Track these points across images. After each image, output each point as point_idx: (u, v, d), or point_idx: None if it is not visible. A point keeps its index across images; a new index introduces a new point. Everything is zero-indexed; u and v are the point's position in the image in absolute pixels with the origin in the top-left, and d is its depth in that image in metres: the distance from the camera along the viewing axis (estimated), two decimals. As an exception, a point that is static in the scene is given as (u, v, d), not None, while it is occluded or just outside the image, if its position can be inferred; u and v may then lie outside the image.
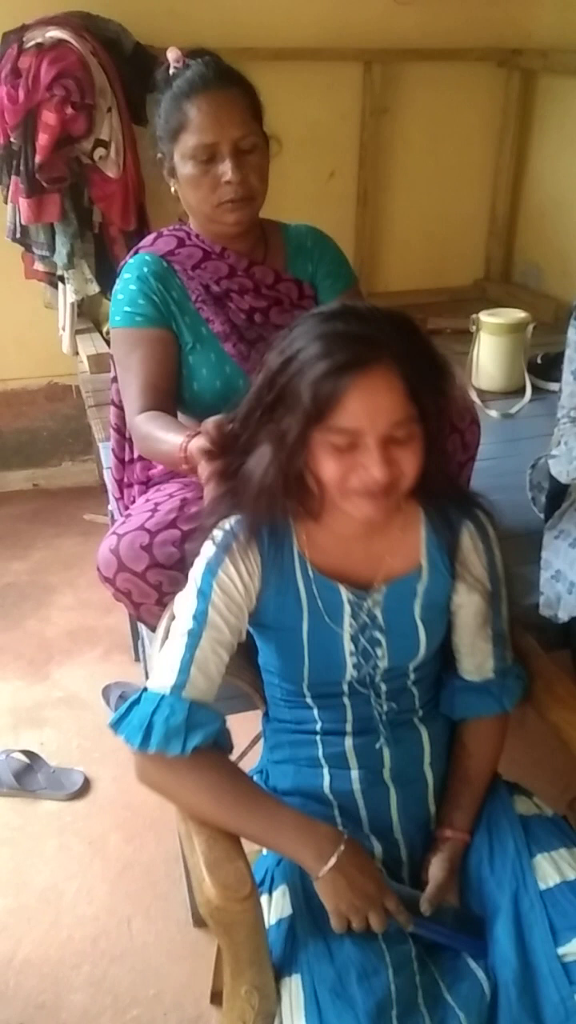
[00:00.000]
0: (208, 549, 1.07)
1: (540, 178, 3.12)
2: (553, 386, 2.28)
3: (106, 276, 2.58)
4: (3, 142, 2.38)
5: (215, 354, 1.44)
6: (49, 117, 2.28)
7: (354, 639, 1.09)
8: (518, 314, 2.37)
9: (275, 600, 1.08)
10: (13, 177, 2.41)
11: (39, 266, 2.61)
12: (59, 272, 2.58)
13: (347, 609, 1.09)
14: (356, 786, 1.12)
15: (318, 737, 1.14)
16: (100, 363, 2.51)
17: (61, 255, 2.51)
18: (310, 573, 1.08)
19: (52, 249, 2.52)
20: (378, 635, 1.10)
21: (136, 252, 1.48)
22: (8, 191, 2.47)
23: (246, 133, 1.35)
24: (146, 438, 1.35)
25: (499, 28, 2.96)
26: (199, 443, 1.15)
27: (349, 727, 1.13)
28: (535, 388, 2.33)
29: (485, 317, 2.35)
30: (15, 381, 3.01)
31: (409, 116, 3.02)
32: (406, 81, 2.97)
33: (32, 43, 2.29)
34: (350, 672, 1.11)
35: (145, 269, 1.43)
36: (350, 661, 1.10)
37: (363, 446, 0.96)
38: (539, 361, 2.43)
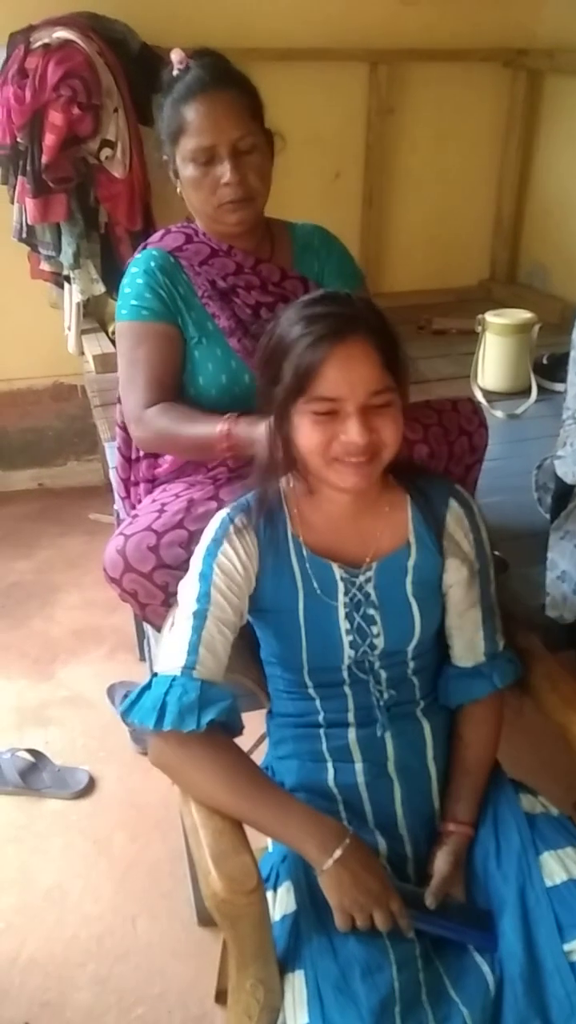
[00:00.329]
0: (207, 535, 1.13)
1: (546, 178, 3.12)
2: (559, 387, 2.27)
3: (112, 276, 2.59)
4: (10, 142, 2.39)
5: (220, 349, 1.44)
6: (56, 117, 2.28)
7: (348, 616, 1.13)
8: (524, 315, 2.37)
9: (272, 582, 1.13)
10: (20, 177, 2.42)
11: (45, 266, 2.61)
12: (65, 272, 2.58)
13: (340, 587, 1.13)
14: (360, 779, 1.13)
15: (321, 730, 1.16)
16: (106, 363, 2.51)
17: (67, 255, 2.51)
18: (304, 554, 1.13)
19: (58, 249, 2.53)
20: (372, 612, 1.13)
21: (144, 248, 1.49)
22: (15, 191, 2.47)
23: (244, 134, 1.36)
24: (164, 430, 1.37)
25: (505, 28, 2.96)
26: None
27: (351, 717, 1.14)
28: (541, 389, 2.33)
29: (491, 318, 2.35)
30: (21, 381, 3.01)
31: (415, 116, 3.02)
32: (412, 81, 2.97)
33: (39, 43, 2.30)
34: (347, 653, 1.13)
35: (152, 264, 1.44)
36: (346, 640, 1.13)
37: (343, 413, 1.02)
38: (545, 362, 2.43)
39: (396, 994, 0.93)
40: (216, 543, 1.12)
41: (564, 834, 1.10)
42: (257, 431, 1.28)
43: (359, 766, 1.13)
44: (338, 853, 0.99)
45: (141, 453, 1.59)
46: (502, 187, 3.21)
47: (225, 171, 1.36)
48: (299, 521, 1.14)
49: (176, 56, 1.41)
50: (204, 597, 1.09)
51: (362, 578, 1.13)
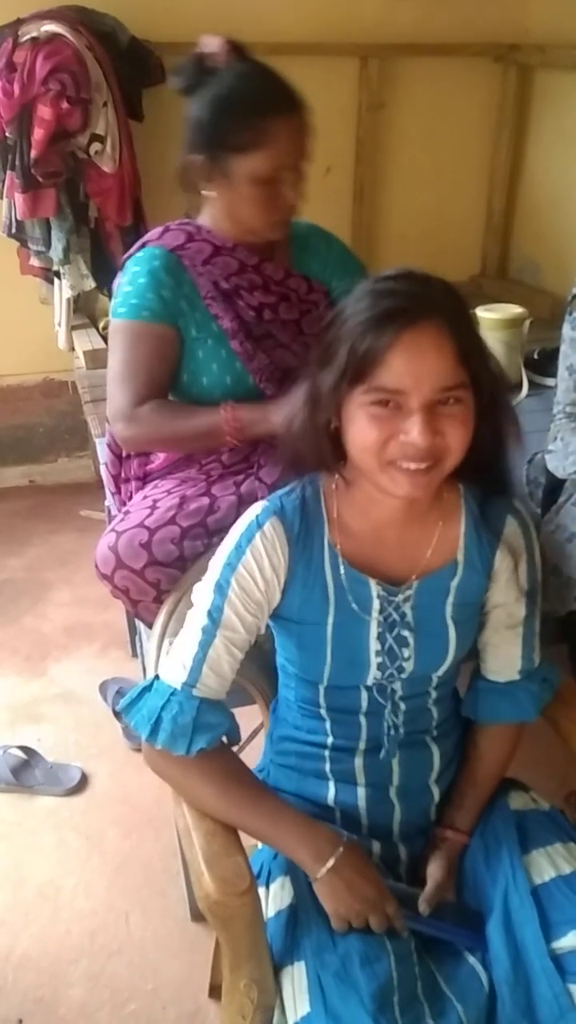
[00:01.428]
0: (231, 539, 1.03)
1: (537, 174, 3.12)
2: (550, 381, 2.27)
3: (102, 271, 2.58)
4: (-2, 137, 2.38)
5: (225, 350, 1.42)
6: (44, 112, 2.27)
7: (380, 637, 1.05)
8: (515, 309, 2.37)
9: (301, 594, 1.03)
10: (8, 172, 2.40)
11: (35, 261, 2.60)
12: (55, 267, 2.57)
13: (376, 604, 1.04)
14: (361, 803, 1.11)
15: (327, 752, 1.12)
16: (96, 359, 2.50)
17: (57, 250, 2.50)
18: (340, 565, 1.03)
19: (48, 244, 2.52)
20: (406, 634, 1.05)
21: (143, 245, 1.45)
22: (3, 186, 2.46)
23: (306, 159, 1.38)
24: (162, 425, 1.37)
25: (496, 23, 2.96)
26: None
27: (362, 745, 1.10)
28: (532, 383, 2.33)
29: (482, 313, 2.34)
30: (11, 377, 3.00)
31: (406, 111, 3.02)
32: (403, 76, 2.97)
33: (27, 37, 2.28)
34: (373, 674, 1.06)
35: (156, 263, 1.40)
36: (375, 661, 1.05)
37: (406, 410, 0.90)
38: (536, 356, 2.43)
39: (395, 983, 0.93)
40: (239, 551, 1.01)
41: (554, 830, 1.09)
42: (268, 413, 1.27)
43: (362, 791, 1.10)
44: (331, 862, 0.99)
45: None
46: (493, 182, 3.21)
47: (288, 192, 1.36)
48: (338, 527, 1.03)
49: (213, 44, 1.36)
50: (216, 612, 1.01)
51: (400, 597, 1.03)
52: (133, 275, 1.41)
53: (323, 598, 1.04)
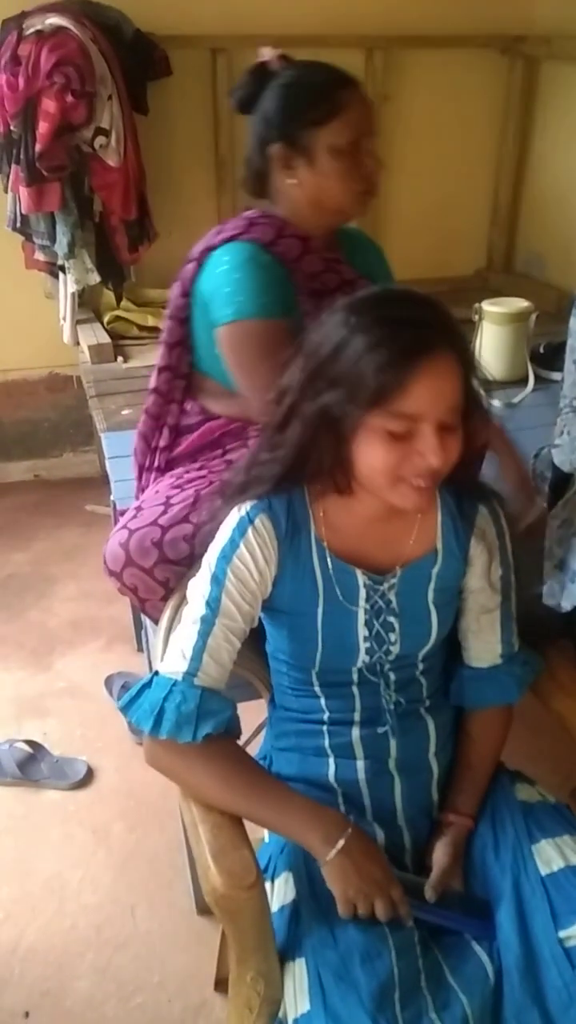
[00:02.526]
0: (223, 534, 1.07)
1: (543, 166, 3.10)
2: (556, 375, 2.27)
3: (107, 266, 2.58)
4: (3, 131, 2.37)
5: None
6: (49, 105, 2.26)
7: (368, 623, 1.10)
8: (521, 303, 2.36)
9: (291, 585, 1.08)
10: (13, 166, 2.40)
11: (40, 256, 2.60)
12: (60, 262, 2.56)
13: (362, 593, 1.09)
14: (361, 775, 1.12)
15: (324, 727, 1.14)
16: (101, 353, 2.50)
17: (62, 244, 2.50)
18: (327, 558, 1.08)
19: (52, 238, 2.51)
20: (392, 619, 1.10)
21: (232, 239, 1.39)
22: (8, 180, 2.46)
23: (374, 129, 1.41)
24: None
25: (502, 15, 2.94)
26: None
27: (357, 716, 1.13)
28: (538, 378, 2.32)
29: (487, 306, 2.34)
30: (16, 372, 3.00)
31: (411, 104, 3.00)
32: (408, 69, 2.95)
33: (32, 30, 2.28)
34: (362, 658, 1.11)
35: (266, 261, 1.38)
36: (363, 646, 1.10)
37: (419, 433, 0.95)
38: (542, 351, 2.42)
39: (395, 980, 0.93)
40: (232, 544, 1.05)
41: (561, 822, 1.10)
42: None
43: (361, 763, 1.12)
44: (341, 843, 0.99)
45: (163, 443, 1.56)
46: (499, 175, 3.19)
47: (371, 160, 1.39)
48: (324, 523, 1.08)
49: (269, 53, 1.42)
50: (214, 602, 1.04)
51: (385, 585, 1.09)
52: (248, 271, 1.36)
53: (312, 589, 1.08)
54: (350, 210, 1.44)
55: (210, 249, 1.41)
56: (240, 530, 1.06)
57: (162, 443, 1.56)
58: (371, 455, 0.97)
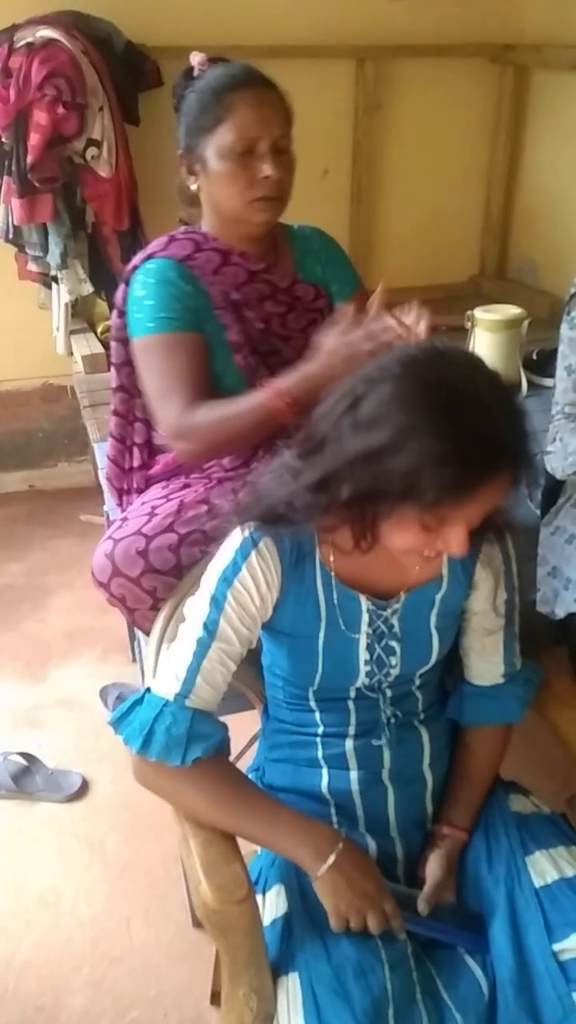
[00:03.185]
0: (225, 555, 1.04)
1: (534, 173, 3.11)
2: (549, 382, 2.26)
3: (100, 276, 2.58)
4: (-5, 142, 2.38)
5: (233, 362, 1.42)
6: (40, 117, 2.27)
7: (370, 647, 1.08)
8: (513, 310, 2.36)
9: (293, 610, 1.06)
10: (5, 177, 2.40)
11: (32, 267, 2.60)
12: (52, 272, 2.57)
13: (365, 618, 1.07)
14: (354, 786, 1.11)
15: (318, 739, 1.14)
16: (95, 363, 2.50)
17: (54, 255, 2.50)
18: (332, 583, 1.06)
19: (45, 249, 2.51)
20: (393, 643, 1.09)
21: (150, 256, 1.42)
22: (0, 192, 2.46)
23: (284, 133, 1.36)
24: (217, 423, 1.30)
25: (491, 23, 2.95)
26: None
27: (351, 729, 1.12)
28: (531, 384, 2.33)
29: (480, 313, 2.34)
30: (10, 382, 3.00)
31: (402, 113, 3.01)
32: (399, 77, 2.96)
33: (23, 43, 2.28)
34: (362, 680, 1.10)
35: (171, 273, 1.38)
36: (364, 669, 1.09)
37: (450, 527, 0.92)
38: (535, 357, 2.42)
39: (389, 995, 0.92)
40: (235, 567, 1.02)
41: (556, 833, 1.09)
42: (307, 372, 1.22)
43: (354, 774, 1.11)
44: (332, 858, 0.98)
45: (136, 463, 1.57)
46: (490, 183, 3.20)
47: (265, 166, 1.33)
48: (329, 547, 1.05)
49: (197, 59, 1.40)
50: (212, 625, 1.02)
51: (389, 611, 1.08)
52: (150, 287, 1.38)
53: (315, 614, 1.06)
54: (250, 217, 1.38)
55: (134, 269, 1.43)
56: (243, 553, 1.02)
57: (135, 463, 1.56)
58: (400, 538, 0.95)
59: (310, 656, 1.08)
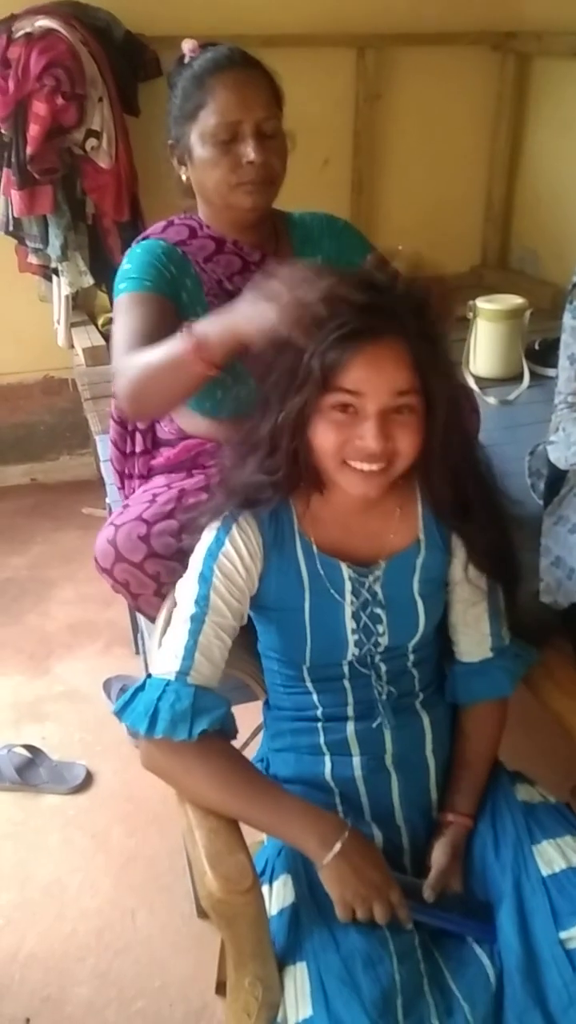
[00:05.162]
0: (208, 534, 1.09)
1: (536, 162, 3.10)
2: (551, 372, 2.26)
3: (100, 268, 2.57)
4: (-6, 134, 2.37)
5: None
6: (40, 108, 2.26)
7: (355, 616, 1.10)
8: (515, 300, 2.36)
9: (277, 581, 1.09)
10: (4, 169, 2.40)
11: (33, 259, 2.59)
12: (53, 265, 2.56)
13: (348, 586, 1.10)
14: (357, 772, 1.12)
15: (319, 724, 1.14)
16: (96, 356, 2.50)
17: (55, 247, 2.49)
18: (313, 551, 1.09)
19: (45, 241, 2.51)
20: (379, 611, 1.11)
21: (145, 238, 1.41)
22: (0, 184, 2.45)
23: (269, 116, 1.31)
24: (139, 369, 1.18)
25: (492, 11, 2.94)
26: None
27: (350, 711, 1.13)
28: (533, 374, 2.32)
29: (482, 304, 2.33)
30: (11, 375, 2.99)
31: (403, 102, 3.00)
32: (399, 66, 2.95)
33: (21, 33, 2.27)
34: (351, 651, 1.11)
35: (159, 251, 1.37)
36: (352, 639, 1.11)
37: (362, 414, 0.98)
38: (537, 347, 2.42)
39: (397, 986, 0.92)
40: (218, 543, 1.07)
41: (563, 822, 1.09)
42: (229, 315, 1.06)
43: (357, 759, 1.12)
44: (338, 846, 0.99)
45: (138, 448, 1.57)
46: (492, 172, 3.19)
47: (248, 150, 1.29)
48: (307, 518, 1.10)
49: (188, 45, 1.37)
50: (203, 600, 1.05)
51: (371, 578, 1.10)
52: (134, 255, 1.37)
53: (298, 584, 1.09)
54: (237, 203, 1.34)
55: (132, 248, 1.42)
56: (225, 528, 1.08)
57: (137, 448, 1.56)
58: (320, 437, 1.00)
59: (298, 629, 1.10)
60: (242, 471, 1.07)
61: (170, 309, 1.34)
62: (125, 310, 1.32)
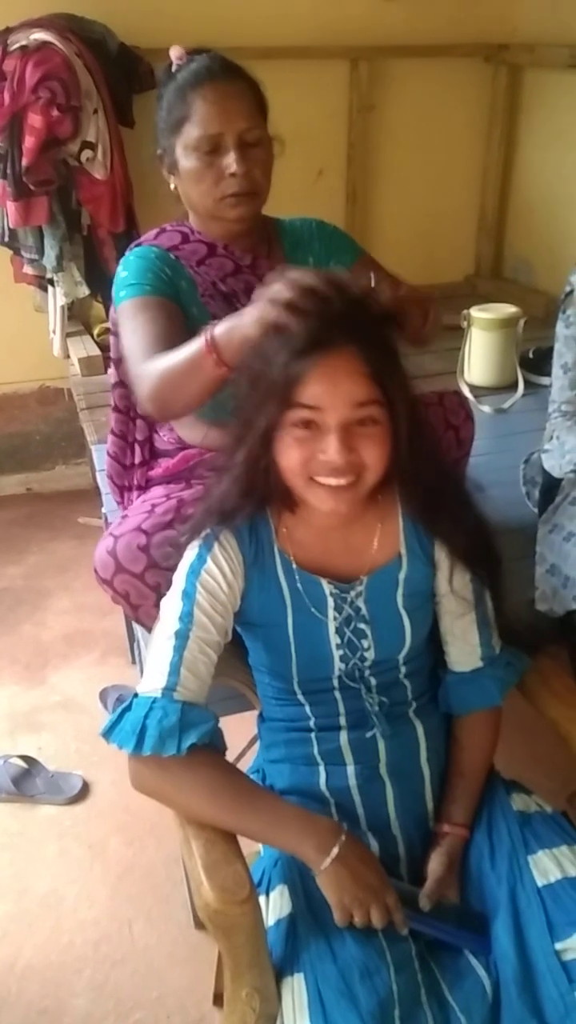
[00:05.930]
0: (190, 552, 1.09)
1: (529, 173, 3.12)
2: (545, 380, 2.27)
3: (96, 278, 2.58)
4: (-11, 145, 2.37)
5: None
6: (35, 119, 2.27)
7: (339, 631, 1.11)
8: (509, 309, 2.37)
9: (259, 598, 1.10)
10: (0, 181, 2.40)
11: (28, 269, 2.60)
12: (48, 275, 2.57)
13: (331, 602, 1.10)
14: (352, 781, 1.12)
15: (312, 734, 1.14)
16: (91, 366, 2.50)
17: (50, 258, 2.50)
18: (292, 568, 1.10)
19: (41, 252, 2.52)
20: (363, 626, 1.11)
21: (138, 245, 1.43)
22: (-4, 195, 2.46)
23: (251, 126, 1.32)
24: (161, 373, 1.20)
25: (485, 23, 2.96)
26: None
27: (343, 721, 1.13)
28: (527, 383, 2.33)
29: (476, 313, 2.35)
30: (7, 385, 3.00)
31: (397, 113, 3.02)
32: (393, 78, 2.97)
33: (16, 46, 2.28)
34: (338, 666, 1.12)
35: (153, 256, 1.38)
36: (337, 654, 1.11)
37: (324, 430, 0.97)
38: (531, 356, 2.43)
39: (395, 997, 0.92)
40: (200, 560, 1.07)
41: (559, 832, 1.09)
42: (243, 315, 1.07)
43: (351, 768, 1.12)
44: (335, 851, 0.98)
45: (137, 460, 1.57)
46: (485, 182, 3.21)
47: (231, 162, 1.30)
48: (286, 536, 1.10)
49: (175, 52, 1.37)
50: (187, 617, 1.05)
51: (352, 593, 1.10)
52: (129, 263, 1.39)
53: (280, 601, 1.10)
54: (223, 215, 1.36)
55: (125, 257, 1.43)
56: (207, 546, 1.08)
57: (136, 460, 1.56)
58: (284, 455, 1.00)
59: (283, 645, 1.11)
60: (219, 488, 1.08)
61: (173, 310, 1.35)
62: (131, 316, 1.33)
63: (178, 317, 1.35)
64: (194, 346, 1.14)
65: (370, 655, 1.12)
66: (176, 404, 1.26)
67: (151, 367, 1.23)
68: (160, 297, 1.35)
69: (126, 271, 1.38)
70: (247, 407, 1.02)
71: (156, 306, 1.33)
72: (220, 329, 1.10)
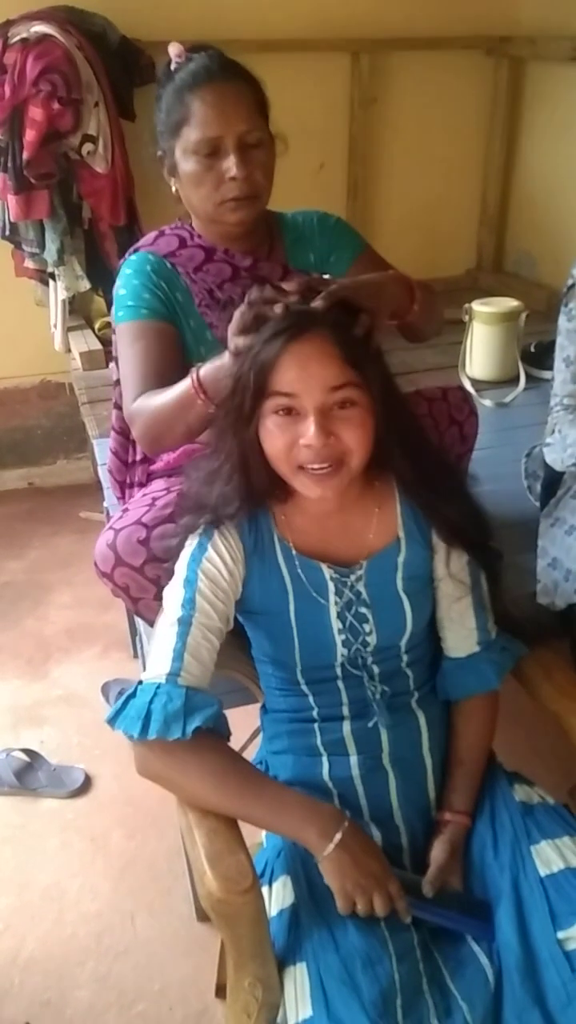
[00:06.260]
0: (192, 541, 1.11)
1: (531, 166, 3.11)
2: (547, 374, 2.27)
3: (97, 272, 2.58)
4: (-10, 139, 2.37)
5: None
6: (36, 113, 2.26)
7: (340, 616, 1.12)
8: (511, 303, 2.37)
9: (260, 585, 1.11)
10: (1, 174, 2.40)
11: (29, 263, 2.60)
12: (49, 269, 2.56)
13: (331, 587, 1.12)
14: (355, 772, 1.12)
15: (316, 725, 1.15)
16: (93, 360, 2.50)
17: (51, 252, 2.50)
18: (293, 555, 1.11)
19: (42, 246, 2.51)
20: (364, 610, 1.12)
21: (136, 250, 1.43)
22: (-4, 188, 2.46)
23: (251, 127, 1.30)
24: (153, 412, 1.26)
25: (486, 16, 2.95)
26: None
27: (346, 711, 1.14)
28: (529, 377, 2.33)
29: (478, 306, 2.34)
30: (8, 380, 3.00)
31: (398, 106, 3.01)
32: (394, 71, 2.96)
33: (17, 38, 2.28)
34: (340, 652, 1.12)
35: (148, 267, 1.39)
36: (339, 639, 1.12)
37: (303, 415, 0.99)
38: (533, 349, 2.43)
39: (397, 986, 0.93)
40: (201, 548, 1.09)
41: (561, 823, 1.10)
42: (221, 359, 1.13)
43: (354, 759, 1.13)
44: (338, 837, 0.99)
45: (138, 456, 1.57)
46: (487, 175, 3.20)
47: (231, 165, 1.28)
48: (284, 523, 1.12)
49: (174, 50, 1.35)
50: (189, 603, 1.06)
51: (353, 578, 1.11)
52: (127, 278, 1.40)
53: (281, 588, 1.11)
54: (223, 219, 1.35)
55: (123, 262, 1.43)
56: (207, 535, 1.10)
57: (138, 457, 1.56)
58: (268, 444, 1.02)
59: (285, 632, 1.12)
60: (210, 489, 1.09)
61: (169, 333, 1.37)
62: (128, 343, 1.36)
63: (172, 342, 1.37)
64: (182, 386, 1.20)
65: (372, 640, 1.13)
66: (167, 440, 1.32)
67: (143, 406, 1.28)
68: (155, 321, 1.36)
69: (124, 289, 1.39)
70: (230, 403, 1.04)
71: (151, 334, 1.36)
72: (205, 370, 1.16)
